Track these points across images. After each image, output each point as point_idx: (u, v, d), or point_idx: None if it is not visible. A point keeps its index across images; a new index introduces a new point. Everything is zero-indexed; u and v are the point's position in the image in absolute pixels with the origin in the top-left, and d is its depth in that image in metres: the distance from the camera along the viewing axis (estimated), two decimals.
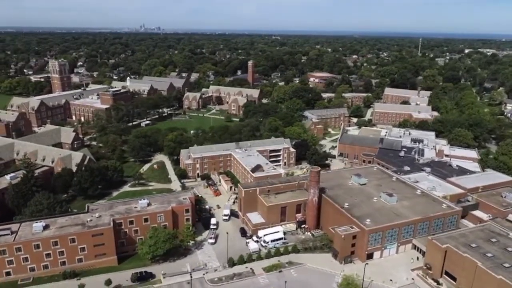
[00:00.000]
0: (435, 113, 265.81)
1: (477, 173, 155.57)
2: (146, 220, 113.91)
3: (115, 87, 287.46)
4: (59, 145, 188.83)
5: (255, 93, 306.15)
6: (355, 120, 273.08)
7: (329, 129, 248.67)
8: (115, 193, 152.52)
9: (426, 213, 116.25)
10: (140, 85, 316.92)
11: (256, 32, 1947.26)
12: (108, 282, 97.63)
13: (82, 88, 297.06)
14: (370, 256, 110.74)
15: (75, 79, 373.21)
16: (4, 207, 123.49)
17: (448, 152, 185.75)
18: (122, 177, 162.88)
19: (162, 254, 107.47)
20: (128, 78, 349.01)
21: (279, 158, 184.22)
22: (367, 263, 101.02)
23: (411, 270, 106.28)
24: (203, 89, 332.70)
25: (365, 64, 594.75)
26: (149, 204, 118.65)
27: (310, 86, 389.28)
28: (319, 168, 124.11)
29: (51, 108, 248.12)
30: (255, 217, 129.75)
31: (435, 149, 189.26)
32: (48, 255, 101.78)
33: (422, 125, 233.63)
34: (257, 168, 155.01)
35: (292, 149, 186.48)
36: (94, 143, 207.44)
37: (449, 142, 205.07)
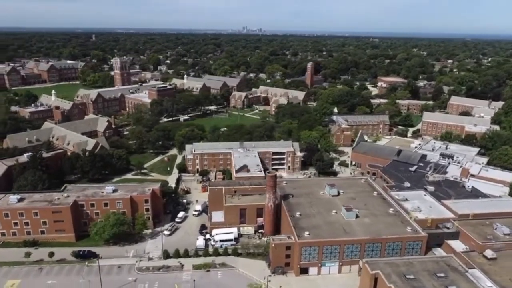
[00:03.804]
0: (496, 127, 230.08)
1: (488, 199, 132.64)
2: (106, 204, 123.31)
3: (167, 84, 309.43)
4: (94, 132, 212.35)
5: (300, 95, 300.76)
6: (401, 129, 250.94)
7: (364, 137, 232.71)
8: (116, 179, 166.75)
9: (379, 234, 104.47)
10: (195, 83, 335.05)
11: (356, 34, 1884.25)
12: (51, 254, 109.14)
13: (139, 83, 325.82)
14: (305, 271, 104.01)
15: (147, 75, 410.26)
16: (11, 181, 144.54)
17: (477, 171, 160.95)
18: (129, 165, 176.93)
19: (109, 237, 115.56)
20: (185, 76, 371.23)
21: (283, 162, 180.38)
22: (270, 275, 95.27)
23: None
24: (253, 89, 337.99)
25: (454, 70, 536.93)
26: (114, 191, 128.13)
27: (371, 90, 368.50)
28: (276, 173, 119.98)
29: (107, 100, 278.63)
30: (218, 216, 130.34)
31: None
32: (15, 223, 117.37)
33: (468, 139, 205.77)
34: (242, 168, 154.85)
35: (298, 153, 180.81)
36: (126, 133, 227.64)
37: (492, 160, 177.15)
